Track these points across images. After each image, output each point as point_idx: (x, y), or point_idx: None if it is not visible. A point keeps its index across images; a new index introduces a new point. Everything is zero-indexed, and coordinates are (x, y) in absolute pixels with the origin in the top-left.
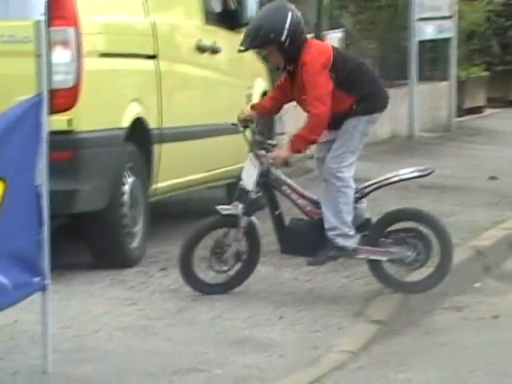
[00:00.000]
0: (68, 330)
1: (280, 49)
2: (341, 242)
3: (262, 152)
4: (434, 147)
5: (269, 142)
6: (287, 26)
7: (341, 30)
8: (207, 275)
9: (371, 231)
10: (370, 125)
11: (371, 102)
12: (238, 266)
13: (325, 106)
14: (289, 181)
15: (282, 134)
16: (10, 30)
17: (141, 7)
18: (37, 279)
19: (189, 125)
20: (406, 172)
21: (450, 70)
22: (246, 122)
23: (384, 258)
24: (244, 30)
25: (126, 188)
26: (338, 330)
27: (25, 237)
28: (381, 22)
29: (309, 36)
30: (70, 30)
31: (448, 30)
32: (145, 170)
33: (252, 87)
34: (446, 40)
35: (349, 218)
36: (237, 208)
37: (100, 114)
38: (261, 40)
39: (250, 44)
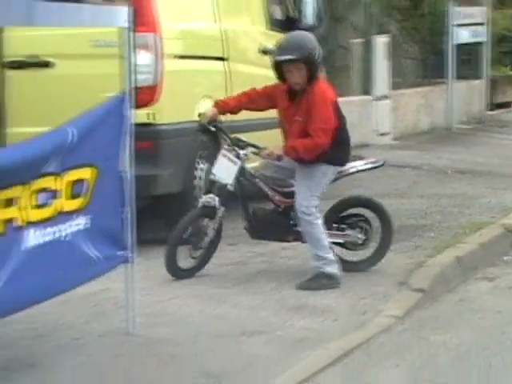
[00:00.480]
0: (149, 297)
1: (309, 68)
2: (329, 269)
3: (245, 150)
4: (469, 137)
5: (247, 142)
6: (319, 50)
7: (387, 35)
8: (184, 262)
9: (326, 216)
10: (332, 176)
11: (343, 155)
12: (204, 251)
13: (327, 139)
14: (260, 174)
15: None
16: (99, 36)
17: (212, 15)
18: (122, 252)
19: (253, 117)
20: (361, 164)
21: (483, 69)
22: (214, 122)
23: (341, 240)
24: None
25: (199, 173)
26: (383, 298)
27: (112, 215)
28: (423, 28)
29: None
30: (151, 36)
31: (481, 34)
32: (214, 157)
33: None
34: (480, 44)
35: (326, 243)
36: (215, 200)
37: (176, 108)
38: (304, 54)
39: (297, 55)
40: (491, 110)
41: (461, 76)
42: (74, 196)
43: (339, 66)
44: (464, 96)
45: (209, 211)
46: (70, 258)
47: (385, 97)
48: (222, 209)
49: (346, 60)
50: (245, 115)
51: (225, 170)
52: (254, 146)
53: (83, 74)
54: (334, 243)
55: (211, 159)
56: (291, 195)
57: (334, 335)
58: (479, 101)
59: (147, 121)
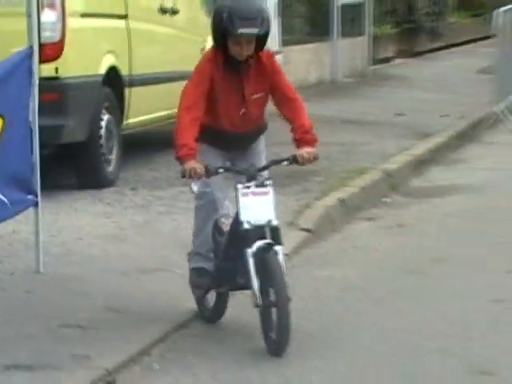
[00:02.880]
0: (56, 239)
1: (263, 40)
2: None
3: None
4: (354, 90)
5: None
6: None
7: None
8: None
9: None
10: None
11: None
12: None
13: None
14: None
15: None
16: None
17: None
18: (30, 197)
19: (153, 72)
20: None
21: (365, 27)
22: (208, 171)
23: None
24: None
25: (103, 123)
26: None
27: (21, 162)
28: None
29: None
30: None
31: None
32: (118, 108)
33: (205, 41)
34: (362, 3)
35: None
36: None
37: (81, 63)
38: (266, 29)
39: (263, 29)
40: (374, 64)
41: (345, 33)
42: None
43: None
44: (348, 52)
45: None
46: None
47: (276, 52)
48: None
49: None
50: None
51: (257, 209)
52: (273, 162)
53: None
54: None
55: (115, 111)
56: None
57: None
58: (362, 56)
59: (53, 74)
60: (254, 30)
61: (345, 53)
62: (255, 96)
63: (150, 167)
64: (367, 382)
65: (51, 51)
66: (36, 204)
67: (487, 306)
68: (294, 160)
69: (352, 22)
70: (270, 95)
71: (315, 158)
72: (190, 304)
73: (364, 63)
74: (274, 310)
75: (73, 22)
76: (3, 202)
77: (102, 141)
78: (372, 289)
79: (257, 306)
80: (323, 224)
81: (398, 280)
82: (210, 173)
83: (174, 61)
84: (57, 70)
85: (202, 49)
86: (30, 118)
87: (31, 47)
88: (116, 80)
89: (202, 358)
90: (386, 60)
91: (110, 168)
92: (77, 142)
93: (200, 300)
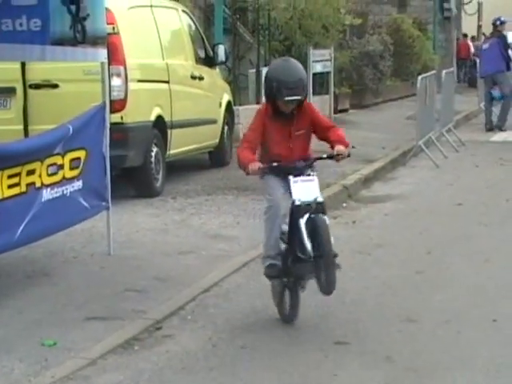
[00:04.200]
0: (121, 231)
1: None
2: None
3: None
4: None
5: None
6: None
7: None
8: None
9: None
10: None
11: None
12: None
13: None
14: None
15: (238, 123)
16: (89, 67)
17: (160, 53)
18: (104, 203)
19: (186, 119)
20: None
21: (330, 88)
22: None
23: None
24: (213, 67)
25: (153, 154)
26: None
27: (98, 180)
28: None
29: None
30: (121, 68)
31: (328, 67)
32: (163, 144)
33: (222, 98)
34: (328, 72)
35: None
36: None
37: (137, 113)
38: (306, 91)
39: (303, 95)
40: (335, 114)
41: (316, 93)
42: (72, 168)
43: (242, 86)
44: (319, 106)
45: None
46: (70, 207)
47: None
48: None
49: (246, 83)
50: (186, 115)
51: (305, 191)
52: (316, 159)
53: (78, 91)
54: None
55: (161, 145)
56: None
57: (238, 253)
58: (329, 108)
59: (119, 121)
60: (298, 97)
61: (316, 106)
62: (298, 133)
63: (184, 183)
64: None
65: (118, 105)
66: (108, 208)
67: (412, 276)
68: (332, 155)
69: (321, 85)
70: (311, 132)
71: (348, 155)
72: (212, 275)
73: (330, 113)
74: (321, 260)
75: (132, 86)
76: (86, 206)
77: (152, 165)
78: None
79: (310, 257)
80: None
81: (352, 259)
82: (264, 167)
83: (200, 111)
84: (122, 117)
85: (220, 102)
86: (103, 150)
87: (104, 102)
88: (162, 124)
89: (220, 311)
90: (344, 110)
91: (158, 184)
92: (135, 166)
93: (279, 304)
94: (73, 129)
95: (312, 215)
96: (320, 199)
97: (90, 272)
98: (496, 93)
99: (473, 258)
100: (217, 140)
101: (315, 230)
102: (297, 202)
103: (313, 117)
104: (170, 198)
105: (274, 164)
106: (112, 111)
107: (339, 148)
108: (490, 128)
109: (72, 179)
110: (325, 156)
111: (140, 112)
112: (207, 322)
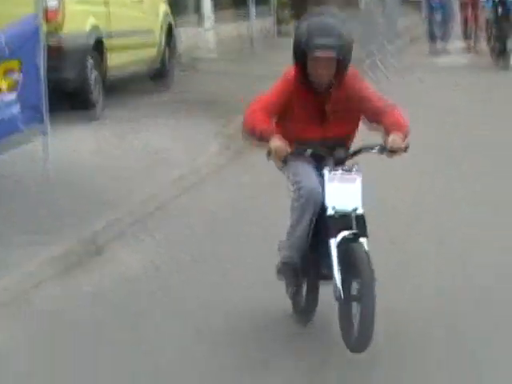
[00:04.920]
0: (60, 155)
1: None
2: None
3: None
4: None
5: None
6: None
7: None
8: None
9: None
10: None
11: None
12: None
13: None
14: None
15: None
16: None
17: None
18: (38, 115)
19: (123, 29)
20: None
21: (271, 8)
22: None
23: None
24: None
25: (88, 66)
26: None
27: (34, 93)
28: None
29: None
30: None
31: None
32: (101, 62)
33: (158, 7)
34: None
35: None
36: None
37: (72, 23)
38: (349, 50)
39: (343, 55)
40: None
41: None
42: (6, 79)
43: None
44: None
45: None
46: (4, 118)
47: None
48: None
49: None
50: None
51: (343, 195)
52: (363, 148)
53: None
54: None
55: (99, 69)
56: None
57: (177, 169)
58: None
59: (53, 30)
60: (332, 53)
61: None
62: (336, 113)
63: (125, 107)
64: None
65: (53, 14)
66: (45, 132)
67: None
68: (384, 148)
69: (259, 4)
70: (358, 112)
71: (406, 147)
72: (152, 193)
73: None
74: (354, 304)
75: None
76: (20, 118)
77: (91, 88)
78: None
79: (338, 299)
80: None
81: None
82: (295, 153)
83: (137, 23)
84: (55, 27)
85: (157, 12)
86: (38, 61)
87: (37, 11)
88: (98, 37)
89: (162, 230)
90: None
91: (97, 108)
92: (70, 78)
93: (294, 296)
94: (5, 37)
95: (348, 236)
96: (360, 211)
97: (28, 195)
98: (435, 2)
99: None
100: (155, 50)
101: (353, 264)
102: (330, 211)
103: (359, 92)
104: (109, 121)
105: (309, 150)
106: (47, 20)
107: (394, 139)
108: (432, 37)
109: (7, 92)
110: (374, 150)
111: (75, 23)
112: (149, 243)
